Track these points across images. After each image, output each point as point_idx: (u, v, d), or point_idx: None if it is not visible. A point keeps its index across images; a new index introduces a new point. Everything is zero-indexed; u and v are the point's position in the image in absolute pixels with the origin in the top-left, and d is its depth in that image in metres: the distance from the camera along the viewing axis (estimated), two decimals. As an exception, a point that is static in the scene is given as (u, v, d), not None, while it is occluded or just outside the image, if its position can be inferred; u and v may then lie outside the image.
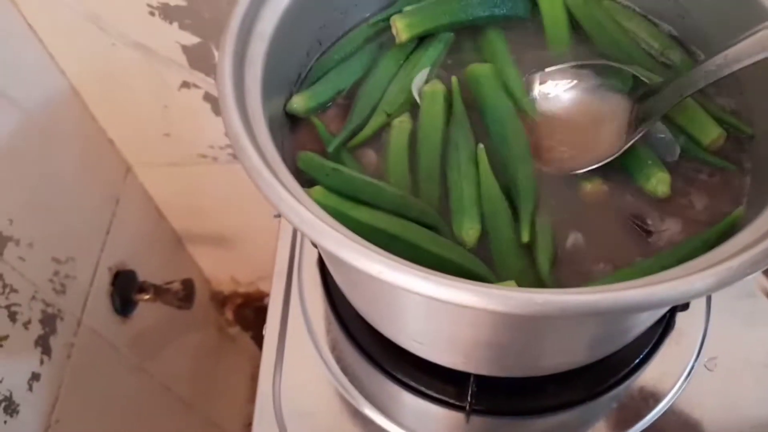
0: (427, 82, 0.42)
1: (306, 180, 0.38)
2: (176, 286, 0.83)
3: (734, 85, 0.39)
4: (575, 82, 0.40)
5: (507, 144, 0.38)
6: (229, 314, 1.16)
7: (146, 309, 0.85)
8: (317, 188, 0.35)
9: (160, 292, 0.82)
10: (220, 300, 1.15)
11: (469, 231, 0.35)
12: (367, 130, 0.40)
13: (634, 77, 0.38)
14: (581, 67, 0.40)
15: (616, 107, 0.39)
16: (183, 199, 0.93)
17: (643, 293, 0.24)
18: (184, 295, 0.83)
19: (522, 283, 0.32)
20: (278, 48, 0.38)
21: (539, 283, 0.33)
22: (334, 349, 0.46)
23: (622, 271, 0.33)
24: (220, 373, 1.12)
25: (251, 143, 0.30)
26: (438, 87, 0.41)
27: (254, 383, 1.28)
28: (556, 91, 0.40)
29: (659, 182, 0.36)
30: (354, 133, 0.40)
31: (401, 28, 0.42)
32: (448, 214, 0.37)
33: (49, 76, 0.70)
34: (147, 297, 0.81)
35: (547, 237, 0.35)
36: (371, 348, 0.45)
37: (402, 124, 0.40)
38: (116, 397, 0.81)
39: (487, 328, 0.32)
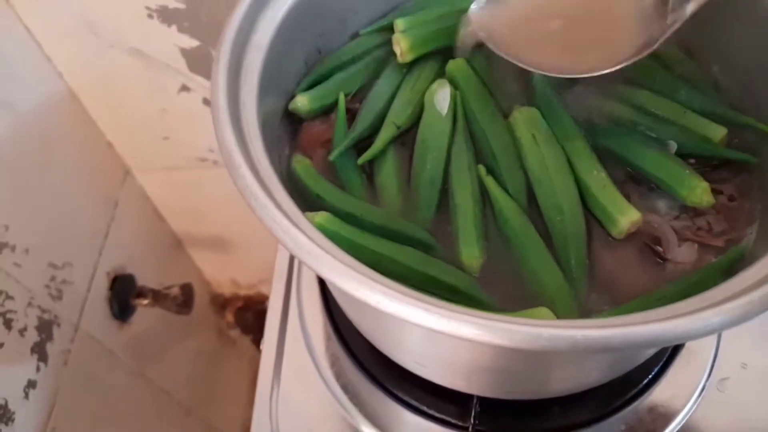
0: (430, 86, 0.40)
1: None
2: (175, 291, 0.81)
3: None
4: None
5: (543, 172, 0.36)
6: (230, 317, 1.15)
7: (145, 313, 0.84)
8: (322, 213, 0.34)
9: (158, 298, 0.81)
10: (221, 303, 1.14)
11: (476, 258, 0.34)
12: (378, 144, 0.38)
13: None
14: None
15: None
16: (183, 201, 0.92)
17: (657, 329, 0.23)
18: (183, 300, 0.82)
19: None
20: (276, 58, 0.37)
21: (569, 309, 0.32)
22: (333, 365, 0.45)
23: (635, 300, 0.32)
24: (220, 377, 1.12)
25: (245, 161, 0.29)
26: (448, 87, 0.40)
27: (254, 387, 1.27)
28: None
29: (704, 192, 0.35)
30: (356, 141, 0.39)
31: (405, 49, 0.40)
32: (446, 232, 0.36)
33: (46, 80, 0.68)
34: (145, 302, 0.80)
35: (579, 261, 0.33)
36: (371, 365, 0.44)
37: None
38: (114, 403, 0.80)
39: (490, 356, 0.30)
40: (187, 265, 1.03)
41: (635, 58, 0.35)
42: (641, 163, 0.37)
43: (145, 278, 0.85)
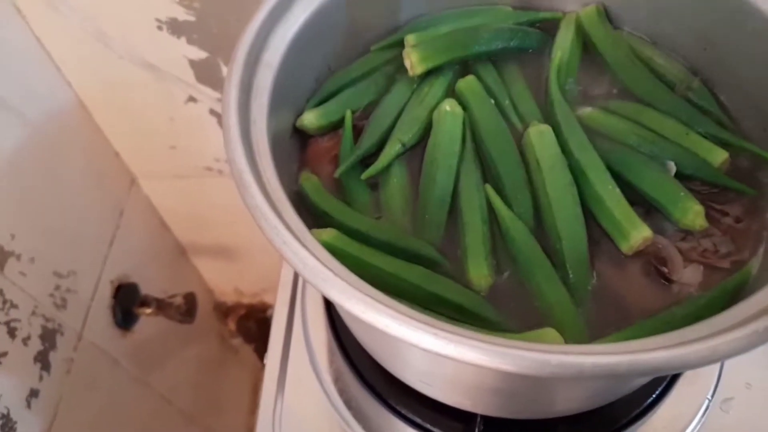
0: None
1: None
2: (178, 300, 0.82)
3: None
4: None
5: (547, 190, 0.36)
6: (232, 325, 1.15)
7: (148, 321, 0.84)
8: (329, 231, 0.34)
9: (162, 306, 0.81)
10: (223, 311, 1.15)
11: (485, 277, 0.34)
12: (383, 160, 0.38)
13: None
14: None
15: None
16: (188, 210, 0.92)
17: (663, 357, 0.23)
18: (186, 309, 0.82)
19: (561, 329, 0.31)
20: (286, 75, 0.37)
21: (573, 330, 0.32)
22: (336, 380, 0.45)
23: (641, 323, 0.32)
24: (222, 385, 1.11)
25: (255, 180, 0.29)
26: (457, 109, 0.40)
27: (256, 395, 1.27)
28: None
29: (696, 215, 0.35)
30: (362, 157, 0.39)
31: (415, 62, 0.40)
32: (454, 251, 0.36)
33: (55, 88, 0.69)
34: (149, 311, 0.81)
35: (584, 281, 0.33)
36: (375, 381, 0.44)
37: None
38: (116, 411, 0.80)
39: (497, 378, 0.30)
40: (190, 273, 1.04)
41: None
42: (639, 182, 0.37)
43: (148, 286, 0.85)
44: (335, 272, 0.26)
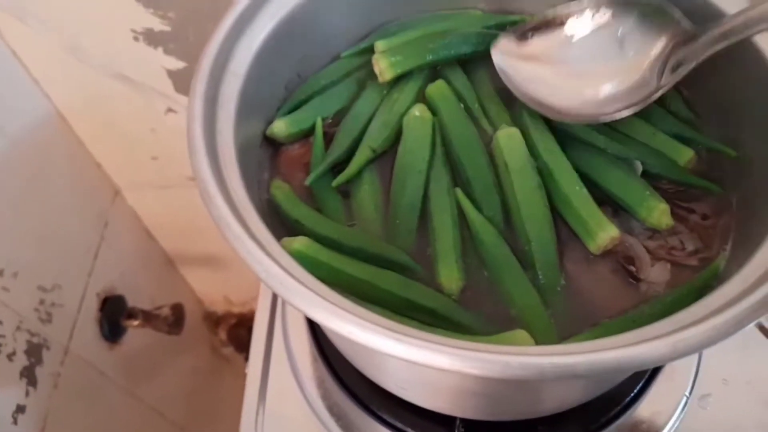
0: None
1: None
2: (165, 311, 0.81)
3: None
4: (605, 18, 0.39)
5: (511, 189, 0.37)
6: (223, 335, 1.15)
7: (136, 332, 0.84)
8: (300, 239, 0.34)
9: (149, 318, 0.81)
10: (214, 320, 1.14)
11: (456, 281, 0.34)
12: (353, 167, 0.38)
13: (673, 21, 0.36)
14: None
15: (642, 52, 0.38)
16: (174, 220, 0.92)
17: (622, 356, 0.23)
18: (174, 320, 0.82)
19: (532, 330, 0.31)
20: (253, 84, 0.37)
21: (543, 331, 0.32)
22: (319, 386, 0.45)
23: (610, 322, 0.32)
24: (214, 395, 1.11)
25: (220, 190, 0.29)
26: (426, 114, 0.40)
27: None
28: (581, 27, 0.39)
29: (662, 214, 0.35)
30: (333, 165, 0.39)
31: (384, 68, 0.41)
32: (426, 255, 0.36)
33: (33, 102, 0.69)
34: (136, 323, 0.80)
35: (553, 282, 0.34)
36: (357, 387, 0.44)
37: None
38: (105, 425, 0.79)
39: (468, 381, 0.31)
40: (178, 283, 1.03)
41: (634, 108, 0.36)
42: (605, 182, 0.37)
43: (135, 298, 0.85)
44: (299, 280, 0.26)
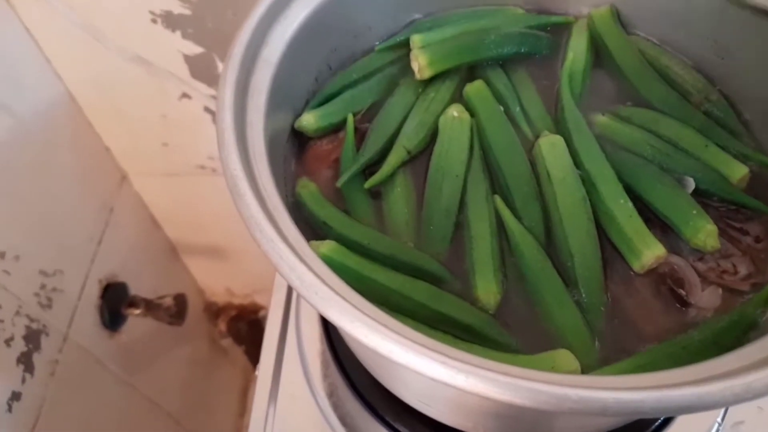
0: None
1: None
2: (168, 301, 0.79)
3: None
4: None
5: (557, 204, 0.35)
6: (222, 326, 1.13)
7: (135, 321, 0.82)
8: (328, 243, 0.32)
9: (151, 307, 0.79)
10: (214, 311, 1.12)
11: (493, 294, 0.32)
12: (386, 169, 0.36)
13: None
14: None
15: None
16: (179, 208, 0.90)
17: (692, 394, 0.21)
18: (176, 311, 0.80)
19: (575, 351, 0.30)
20: (285, 74, 0.35)
21: (586, 352, 0.30)
22: (331, 395, 0.43)
23: (657, 347, 0.30)
24: (211, 387, 1.09)
25: (251, 188, 0.27)
26: (464, 115, 0.38)
27: (245, 397, 1.25)
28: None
29: (708, 236, 0.33)
30: (367, 165, 0.37)
31: (424, 66, 0.38)
32: (460, 265, 0.34)
33: (45, 82, 0.67)
34: (137, 312, 0.78)
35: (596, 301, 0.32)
36: (372, 397, 0.42)
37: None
38: (102, 414, 0.77)
39: (506, 406, 0.28)
40: (181, 272, 1.01)
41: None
42: (650, 197, 0.35)
43: (137, 285, 0.83)
44: (335, 290, 0.24)
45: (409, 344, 0.22)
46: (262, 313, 1.14)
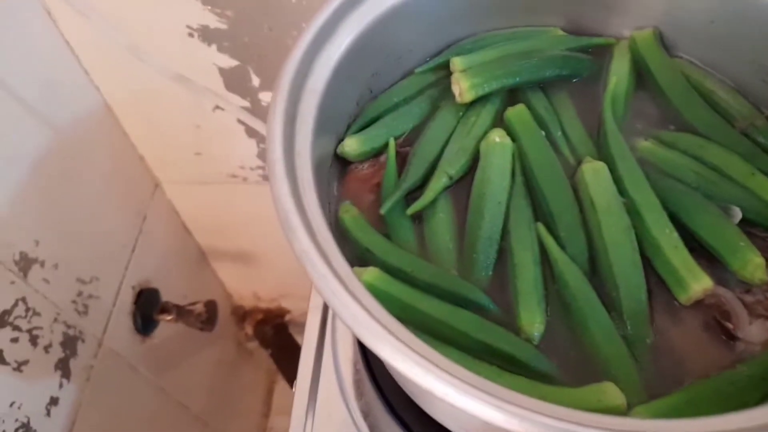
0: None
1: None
2: (199, 308, 0.81)
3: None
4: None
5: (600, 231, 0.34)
6: (249, 329, 1.15)
7: (166, 325, 0.84)
8: (371, 270, 0.32)
9: (182, 314, 0.80)
10: (241, 315, 1.14)
11: (537, 325, 0.32)
12: (429, 194, 0.36)
13: None
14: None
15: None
16: (210, 216, 0.91)
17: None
18: (207, 317, 0.81)
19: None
20: (330, 101, 0.35)
21: (631, 385, 0.30)
22: (367, 415, 0.43)
23: (704, 382, 0.30)
24: (237, 389, 1.11)
25: (302, 221, 0.28)
26: (506, 140, 0.38)
27: (270, 399, 1.26)
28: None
29: (757, 268, 0.32)
30: (409, 191, 0.37)
31: (465, 89, 0.38)
32: (503, 293, 0.34)
33: (82, 92, 0.68)
34: (169, 318, 0.80)
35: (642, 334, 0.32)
36: (410, 418, 0.42)
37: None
38: (133, 417, 0.79)
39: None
40: (210, 277, 1.03)
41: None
42: (696, 226, 0.35)
43: (169, 291, 0.85)
44: (387, 328, 0.25)
45: (465, 387, 0.22)
46: (287, 317, 1.16)
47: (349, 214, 0.36)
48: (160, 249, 0.85)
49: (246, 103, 0.69)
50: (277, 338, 1.15)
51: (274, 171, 0.29)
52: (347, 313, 0.25)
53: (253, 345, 1.17)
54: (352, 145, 0.38)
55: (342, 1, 0.36)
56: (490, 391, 0.23)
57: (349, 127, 0.40)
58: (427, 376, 0.23)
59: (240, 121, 0.71)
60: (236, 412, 1.10)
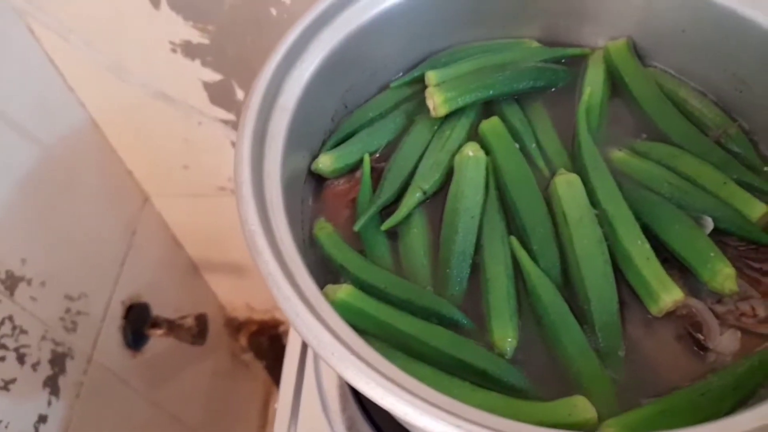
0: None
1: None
2: (189, 321, 0.81)
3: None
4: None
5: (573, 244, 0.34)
6: (243, 341, 1.14)
7: (158, 339, 0.83)
8: (345, 288, 0.32)
9: (173, 328, 0.80)
10: (235, 326, 1.14)
11: (509, 340, 0.32)
12: (402, 210, 0.36)
13: None
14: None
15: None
16: (200, 228, 0.91)
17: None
18: (198, 331, 0.81)
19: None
20: (302, 118, 0.36)
21: (603, 398, 0.30)
22: (350, 428, 0.43)
23: (677, 393, 0.30)
24: (232, 401, 1.10)
25: (269, 244, 0.28)
26: (480, 154, 0.38)
27: (266, 410, 1.26)
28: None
29: (726, 279, 0.32)
30: (383, 207, 0.38)
31: (439, 103, 0.39)
32: (476, 308, 0.34)
33: (69, 109, 0.68)
34: (160, 332, 0.80)
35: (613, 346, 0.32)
36: (391, 432, 0.42)
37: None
38: (125, 432, 0.79)
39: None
40: (202, 289, 1.03)
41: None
42: (667, 237, 0.35)
43: (160, 304, 0.84)
44: (352, 349, 0.25)
45: (425, 407, 0.22)
46: (282, 328, 1.15)
47: (324, 231, 0.36)
48: (150, 263, 0.85)
49: (231, 116, 0.69)
50: (272, 349, 1.15)
51: (241, 192, 0.29)
52: (311, 335, 0.25)
53: (248, 357, 1.17)
54: (325, 162, 0.38)
55: (313, 19, 0.36)
56: (451, 410, 0.23)
57: (324, 142, 0.40)
58: (388, 397, 0.23)
59: (226, 134, 0.72)
60: (232, 425, 1.10)
